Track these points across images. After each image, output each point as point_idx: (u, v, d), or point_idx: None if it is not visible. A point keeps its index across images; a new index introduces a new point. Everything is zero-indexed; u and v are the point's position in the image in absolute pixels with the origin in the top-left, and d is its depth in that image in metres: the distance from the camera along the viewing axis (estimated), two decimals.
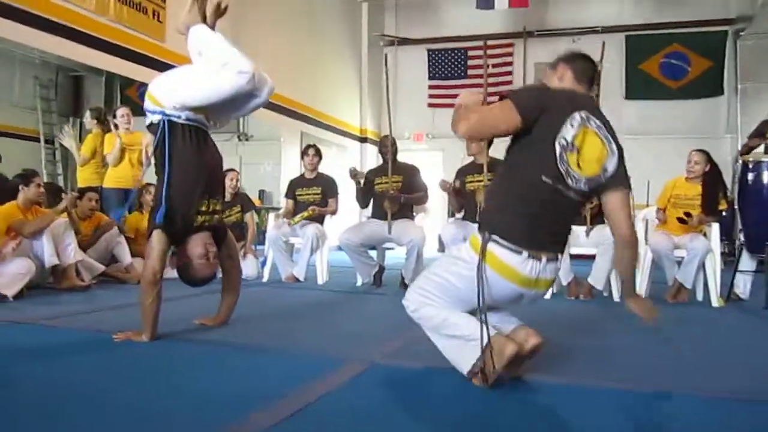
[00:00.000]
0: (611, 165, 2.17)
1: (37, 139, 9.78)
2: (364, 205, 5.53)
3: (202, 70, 2.82)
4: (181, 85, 2.81)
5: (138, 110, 6.30)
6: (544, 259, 2.10)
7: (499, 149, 5.17)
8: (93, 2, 5.45)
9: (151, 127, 2.85)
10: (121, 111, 5.94)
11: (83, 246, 4.87)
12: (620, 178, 2.20)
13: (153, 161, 2.91)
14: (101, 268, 4.97)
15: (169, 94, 2.79)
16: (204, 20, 2.93)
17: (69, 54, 5.50)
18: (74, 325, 3.25)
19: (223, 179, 3.12)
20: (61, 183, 9.43)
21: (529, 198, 2.10)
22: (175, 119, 2.79)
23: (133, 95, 10.26)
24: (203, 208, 2.84)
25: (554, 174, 2.06)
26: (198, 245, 2.80)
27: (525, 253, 2.07)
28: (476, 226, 4.88)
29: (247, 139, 10.34)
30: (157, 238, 2.73)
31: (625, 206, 2.22)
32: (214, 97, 2.74)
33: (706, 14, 10.65)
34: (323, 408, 1.84)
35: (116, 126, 5.90)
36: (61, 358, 2.50)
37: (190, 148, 2.81)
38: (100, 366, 2.37)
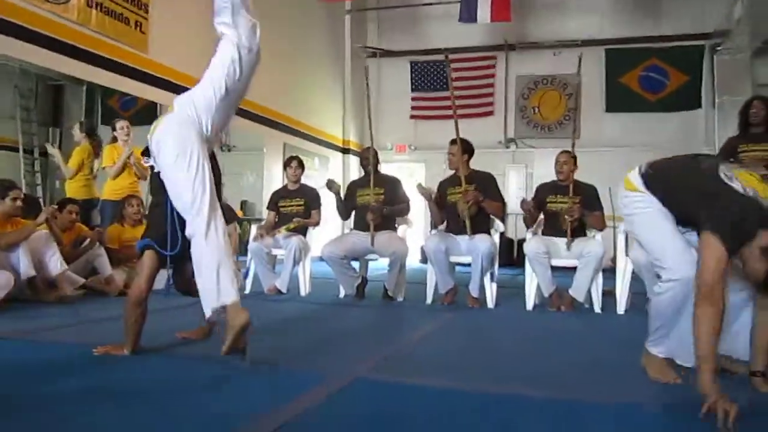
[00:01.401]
0: None
1: (16, 149, 9.67)
2: (345, 216, 5.53)
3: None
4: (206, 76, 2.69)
5: (135, 121, 6.39)
6: None
7: (478, 162, 5.23)
8: (75, 12, 5.42)
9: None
10: (121, 123, 6.00)
11: (65, 259, 4.81)
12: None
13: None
14: (81, 280, 4.92)
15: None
16: None
17: (50, 64, 5.46)
18: (54, 339, 3.21)
19: (220, 197, 3.08)
20: (40, 193, 9.32)
21: None
22: None
23: (114, 105, 10.21)
24: None
25: None
26: None
27: None
28: (459, 238, 4.94)
29: (229, 150, 10.29)
30: (149, 258, 2.70)
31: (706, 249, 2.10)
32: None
33: (683, 29, 10.83)
34: (307, 423, 1.84)
35: (115, 138, 5.94)
36: (40, 373, 2.46)
37: None
38: (79, 381, 2.34)
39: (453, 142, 5.12)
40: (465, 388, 2.30)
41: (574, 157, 4.99)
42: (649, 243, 2.48)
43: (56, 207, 5.01)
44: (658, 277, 2.42)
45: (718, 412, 1.85)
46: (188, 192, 2.49)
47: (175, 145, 2.53)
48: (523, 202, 4.96)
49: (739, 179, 2.16)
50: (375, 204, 5.12)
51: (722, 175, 2.18)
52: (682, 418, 2.00)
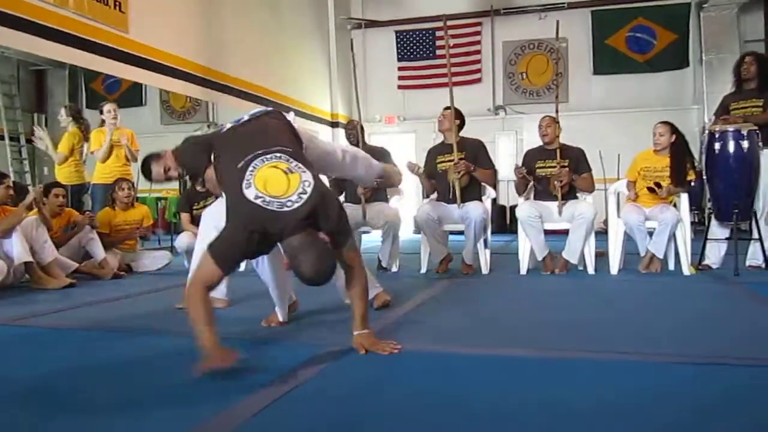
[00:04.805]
0: None
1: (2, 137, 9.58)
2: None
3: None
4: None
5: (121, 104, 6.35)
6: None
7: (468, 131, 5.21)
8: None
9: None
10: (108, 107, 6.00)
11: (56, 244, 4.79)
12: None
13: None
14: (74, 265, 4.89)
15: None
16: None
17: (30, 48, 5.37)
18: (51, 324, 3.21)
19: None
20: (29, 180, 9.26)
21: None
22: None
23: (98, 88, 10.10)
24: None
25: None
26: None
27: None
28: (451, 206, 4.92)
29: (217, 128, 10.20)
30: None
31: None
32: None
33: None
34: (306, 393, 1.85)
35: (103, 122, 5.94)
36: (37, 357, 2.47)
37: None
38: (79, 362, 2.35)
39: (447, 108, 5.08)
40: (461, 351, 2.33)
41: (557, 121, 5.00)
42: None
43: (41, 188, 4.98)
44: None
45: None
46: None
47: None
48: (517, 168, 4.96)
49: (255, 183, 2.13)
50: None
51: (243, 184, 2.14)
52: (679, 372, 2.03)
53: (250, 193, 2.09)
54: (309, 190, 2.13)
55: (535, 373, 2.08)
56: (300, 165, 2.22)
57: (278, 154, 2.23)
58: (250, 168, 2.17)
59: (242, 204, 2.11)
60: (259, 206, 2.07)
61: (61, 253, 4.84)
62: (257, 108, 2.86)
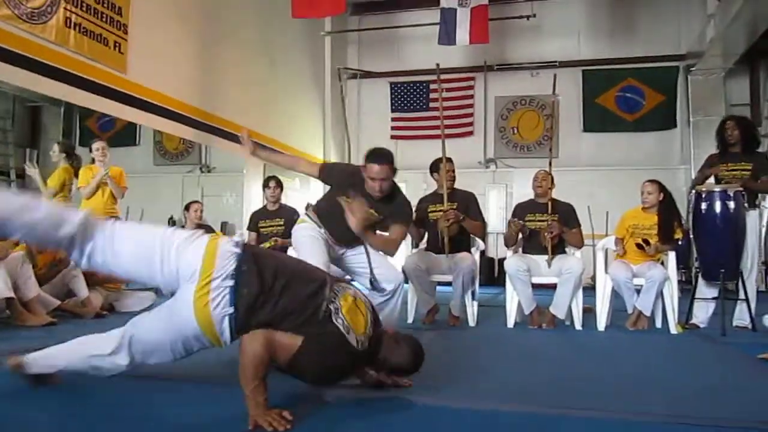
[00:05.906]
0: None
1: None
2: None
3: None
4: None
5: (114, 143, 6.40)
6: None
7: (458, 182, 5.24)
8: (53, 33, 5.39)
9: None
10: (97, 144, 6.04)
11: (39, 281, 4.72)
12: None
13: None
14: (56, 302, 4.82)
15: None
16: None
17: (28, 84, 5.41)
18: None
19: None
20: None
21: None
22: None
23: (92, 127, 10.13)
24: None
25: None
26: None
27: None
28: (440, 256, 4.91)
29: (209, 171, 10.24)
30: None
31: None
32: None
33: (658, 50, 11.04)
34: None
35: (93, 160, 5.98)
36: (19, 396, 2.41)
37: None
38: (64, 403, 2.29)
39: (449, 160, 5.08)
40: (447, 404, 2.29)
41: (551, 176, 5.06)
42: None
43: None
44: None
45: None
46: None
47: None
48: (512, 220, 4.98)
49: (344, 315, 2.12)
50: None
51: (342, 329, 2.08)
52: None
53: (352, 339, 2.11)
54: (371, 307, 2.27)
55: (521, 428, 2.05)
56: (347, 285, 2.30)
57: (335, 288, 2.21)
58: (333, 309, 2.12)
59: (346, 347, 2.10)
60: (362, 352, 2.15)
61: (44, 290, 4.77)
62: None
